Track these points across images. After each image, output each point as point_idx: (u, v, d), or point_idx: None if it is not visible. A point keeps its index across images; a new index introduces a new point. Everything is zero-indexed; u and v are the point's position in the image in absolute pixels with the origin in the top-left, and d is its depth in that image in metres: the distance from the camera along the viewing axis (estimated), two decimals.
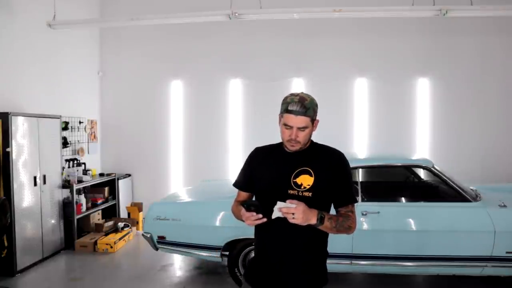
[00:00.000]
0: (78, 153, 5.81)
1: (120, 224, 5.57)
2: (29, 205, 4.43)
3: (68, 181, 5.12)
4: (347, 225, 1.73)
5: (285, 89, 5.49)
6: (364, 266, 3.59)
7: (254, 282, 1.85)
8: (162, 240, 3.91)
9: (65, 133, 5.34)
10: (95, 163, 6.31)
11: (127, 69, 6.47)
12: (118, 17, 5.67)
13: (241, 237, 3.68)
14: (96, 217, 5.68)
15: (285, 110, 1.70)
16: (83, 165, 5.70)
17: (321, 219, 1.64)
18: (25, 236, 4.35)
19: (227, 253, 3.80)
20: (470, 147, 5.78)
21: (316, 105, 1.74)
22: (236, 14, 4.37)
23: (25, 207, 4.37)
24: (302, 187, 1.73)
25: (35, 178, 4.50)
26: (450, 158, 5.58)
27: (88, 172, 5.72)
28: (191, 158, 6.34)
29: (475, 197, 3.61)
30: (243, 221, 1.69)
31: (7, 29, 4.57)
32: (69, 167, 5.43)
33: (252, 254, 3.59)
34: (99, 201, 5.70)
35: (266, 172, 1.83)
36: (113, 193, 6.03)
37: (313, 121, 1.74)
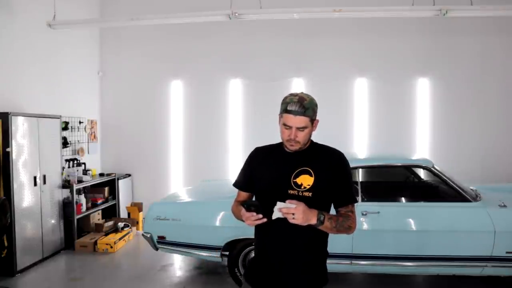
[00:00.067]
0: (78, 153, 5.81)
1: (120, 224, 5.57)
2: (29, 205, 4.43)
3: (68, 181, 5.12)
4: (347, 225, 1.73)
5: (285, 89, 5.49)
6: (364, 266, 3.59)
7: (254, 282, 1.85)
8: (162, 240, 3.91)
9: (65, 133, 5.34)
10: (95, 163, 6.31)
11: (127, 69, 6.47)
12: (118, 17, 5.67)
13: (241, 237, 3.67)
14: (96, 217, 5.68)
15: (284, 110, 1.70)
16: (83, 165, 5.70)
17: (321, 219, 1.64)
18: (25, 236, 4.35)
19: (227, 253, 3.80)
20: (470, 147, 5.78)
21: (316, 105, 1.74)
22: (236, 14, 4.37)
23: (25, 207, 4.37)
24: (302, 187, 1.73)
25: (35, 178, 4.50)
26: (450, 158, 5.58)
27: (88, 172, 5.72)
28: (191, 158, 6.34)
29: (475, 197, 3.61)
30: (243, 221, 1.69)
31: (7, 29, 4.57)
32: (69, 167, 5.43)
33: (252, 254, 3.60)
34: (99, 201, 5.70)
35: (266, 172, 1.83)
36: (113, 193, 6.03)
37: (313, 121, 1.74)
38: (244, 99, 6.21)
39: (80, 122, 5.91)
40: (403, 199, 3.86)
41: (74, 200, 5.06)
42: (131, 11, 5.81)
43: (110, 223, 5.61)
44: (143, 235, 4.05)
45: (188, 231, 3.84)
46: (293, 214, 1.57)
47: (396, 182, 4.40)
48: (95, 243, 5.08)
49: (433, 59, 5.87)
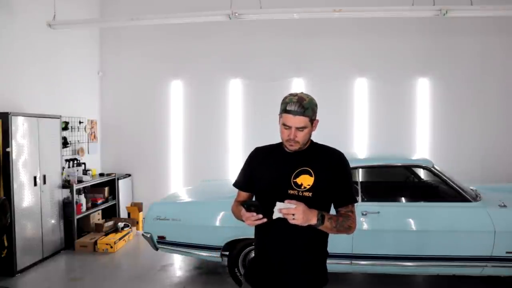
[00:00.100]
0: (78, 153, 5.81)
1: (120, 224, 5.57)
2: (29, 205, 4.43)
3: (68, 181, 5.12)
4: (347, 225, 1.73)
5: (285, 89, 5.49)
6: (364, 266, 3.59)
7: (254, 282, 1.85)
8: (162, 240, 3.91)
9: (65, 133, 5.34)
10: (95, 163, 6.31)
11: (127, 69, 6.47)
12: (118, 17, 5.67)
13: (241, 237, 3.67)
14: (96, 217, 5.68)
15: (284, 110, 1.70)
16: (83, 165, 5.70)
17: (321, 219, 1.63)
18: (25, 236, 4.35)
19: (227, 253, 3.79)
20: (470, 147, 5.78)
21: (316, 105, 1.74)
22: (236, 14, 4.37)
23: (25, 207, 4.37)
24: (302, 187, 1.73)
25: (35, 178, 4.50)
26: (450, 158, 5.58)
27: (88, 172, 5.72)
28: (191, 158, 6.34)
29: (475, 197, 3.61)
30: (243, 221, 1.69)
31: (7, 29, 4.57)
32: (69, 167, 5.43)
33: (252, 254, 3.60)
34: (99, 201, 5.70)
35: (266, 172, 1.83)
36: (113, 193, 6.03)
37: (312, 121, 1.73)
38: (244, 99, 6.21)
39: (80, 122, 5.91)
40: (403, 199, 3.86)
41: (74, 200, 5.06)
42: (131, 11, 5.81)
43: (110, 223, 5.61)
44: (143, 235, 4.05)
45: (188, 231, 3.84)
46: (293, 214, 1.57)
47: (396, 182, 4.39)
48: (95, 243, 5.08)
49: (433, 59, 5.87)
